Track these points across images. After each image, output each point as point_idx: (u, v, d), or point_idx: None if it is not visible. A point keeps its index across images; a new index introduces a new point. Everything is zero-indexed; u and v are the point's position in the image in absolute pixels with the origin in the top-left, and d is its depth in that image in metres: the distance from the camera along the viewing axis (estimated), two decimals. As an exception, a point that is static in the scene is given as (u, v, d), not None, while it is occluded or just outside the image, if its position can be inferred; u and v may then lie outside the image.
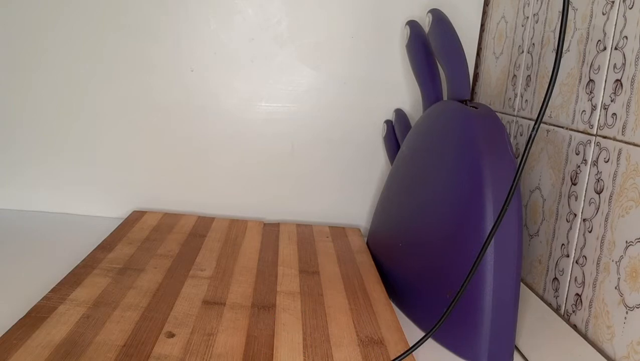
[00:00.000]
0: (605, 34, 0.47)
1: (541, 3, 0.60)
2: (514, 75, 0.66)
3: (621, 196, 0.43)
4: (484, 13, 0.77)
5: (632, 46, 0.43)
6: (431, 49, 0.65)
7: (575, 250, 0.50)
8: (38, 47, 0.74)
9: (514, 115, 0.65)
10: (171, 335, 0.46)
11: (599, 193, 0.47)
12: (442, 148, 0.56)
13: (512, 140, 0.65)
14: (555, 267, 0.53)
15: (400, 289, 0.59)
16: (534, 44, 0.61)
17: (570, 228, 0.51)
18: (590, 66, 0.49)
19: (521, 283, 0.59)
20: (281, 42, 0.75)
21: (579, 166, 0.50)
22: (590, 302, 0.47)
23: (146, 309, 0.49)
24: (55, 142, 0.77)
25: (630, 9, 0.44)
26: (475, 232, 0.48)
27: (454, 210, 0.51)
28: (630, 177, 0.43)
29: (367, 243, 0.72)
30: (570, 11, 0.53)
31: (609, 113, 0.46)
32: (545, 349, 0.49)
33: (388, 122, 0.76)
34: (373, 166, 0.80)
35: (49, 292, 0.51)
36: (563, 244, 0.52)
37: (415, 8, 0.75)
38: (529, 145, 0.39)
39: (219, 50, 0.75)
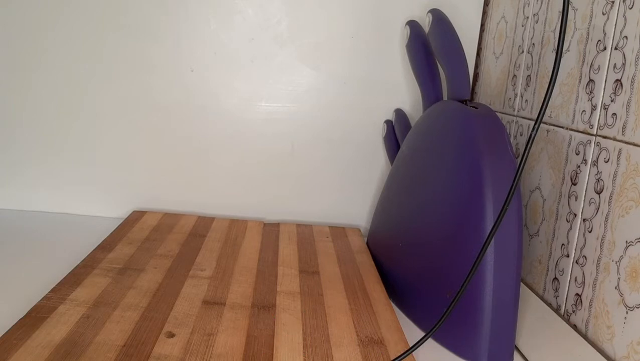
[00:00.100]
0: (605, 34, 0.47)
1: (541, 3, 0.60)
2: (514, 75, 0.66)
3: (621, 196, 0.43)
4: (484, 13, 0.77)
5: (632, 46, 0.43)
6: (431, 49, 0.65)
7: (575, 250, 0.50)
8: (38, 47, 0.74)
9: (514, 115, 0.65)
10: (171, 335, 0.46)
11: (599, 193, 0.47)
12: (442, 148, 0.56)
13: (512, 140, 0.65)
14: (555, 267, 0.53)
15: (400, 289, 0.59)
16: (534, 44, 0.61)
17: (570, 228, 0.51)
18: (590, 66, 0.49)
19: (521, 283, 0.59)
20: (281, 42, 0.75)
21: (579, 166, 0.50)
22: (590, 302, 0.47)
23: (146, 309, 0.49)
24: (55, 142, 0.77)
25: (630, 9, 0.44)
26: (475, 232, 0.48)
27: (454, 210, 0.51)
28: (630, 177, 0.43)
29: (367, 243, 0.72)
30: (570, 11, 0.53)
31: (609, 113, 0.46)
32: (545, 349, 0.49)
33: (388, 122, 0.76)
34: (373, 166, 0.80)
35: (49, 292, 0.51)
36: (563, 244, 0.52)
37: (415, 8, 0.75)
38: (529, 145, 0.39)
39: (219, 50, 0.75)
